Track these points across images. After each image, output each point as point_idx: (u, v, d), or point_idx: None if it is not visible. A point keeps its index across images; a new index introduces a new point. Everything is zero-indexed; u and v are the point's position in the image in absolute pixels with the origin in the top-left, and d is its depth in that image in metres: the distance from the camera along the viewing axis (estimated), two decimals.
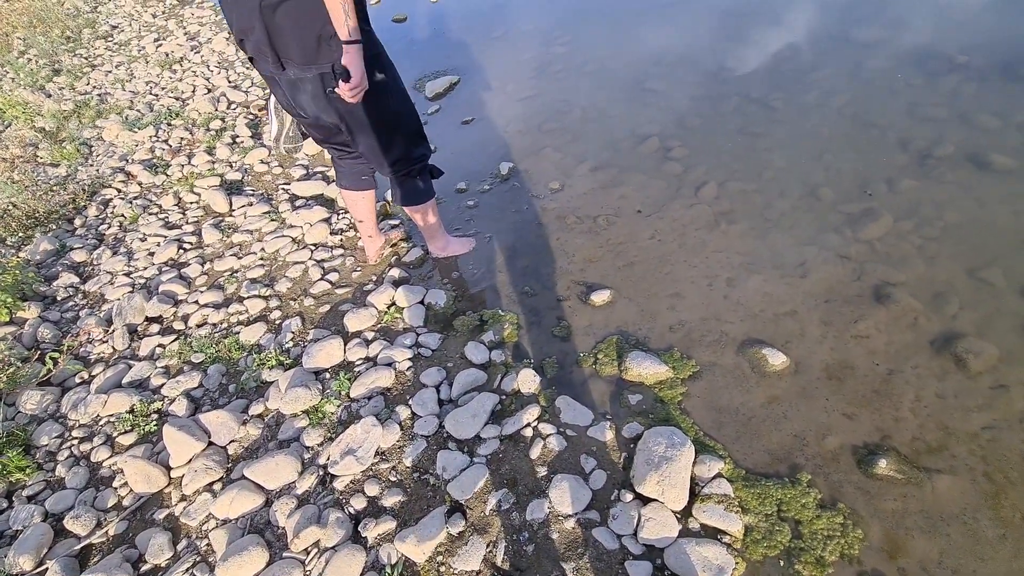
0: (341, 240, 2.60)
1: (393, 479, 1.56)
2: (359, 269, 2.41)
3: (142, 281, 2.57)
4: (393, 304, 2.16)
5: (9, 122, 4.50)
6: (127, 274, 2.63)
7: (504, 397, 1.73)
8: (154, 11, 6.56)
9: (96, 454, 1.82)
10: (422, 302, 2.14)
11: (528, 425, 1.62)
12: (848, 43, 3.15)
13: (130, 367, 2.13)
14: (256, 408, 1.85)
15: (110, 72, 5.25)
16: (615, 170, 2.63)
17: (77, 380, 2.12)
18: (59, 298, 2.56)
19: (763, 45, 3.34)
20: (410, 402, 1.75)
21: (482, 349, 1.89)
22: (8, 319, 2.37)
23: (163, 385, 2.01)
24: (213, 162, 3.40)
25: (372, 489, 1.53)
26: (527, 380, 1.74)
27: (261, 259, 2.57)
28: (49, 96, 4.90)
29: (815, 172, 2.34)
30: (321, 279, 2.38)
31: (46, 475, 1.79)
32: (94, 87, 5.02)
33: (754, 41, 3.41)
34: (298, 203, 2.90)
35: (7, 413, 1.97)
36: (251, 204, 2.95)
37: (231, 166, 3.36)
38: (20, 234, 2.99)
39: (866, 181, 2.24)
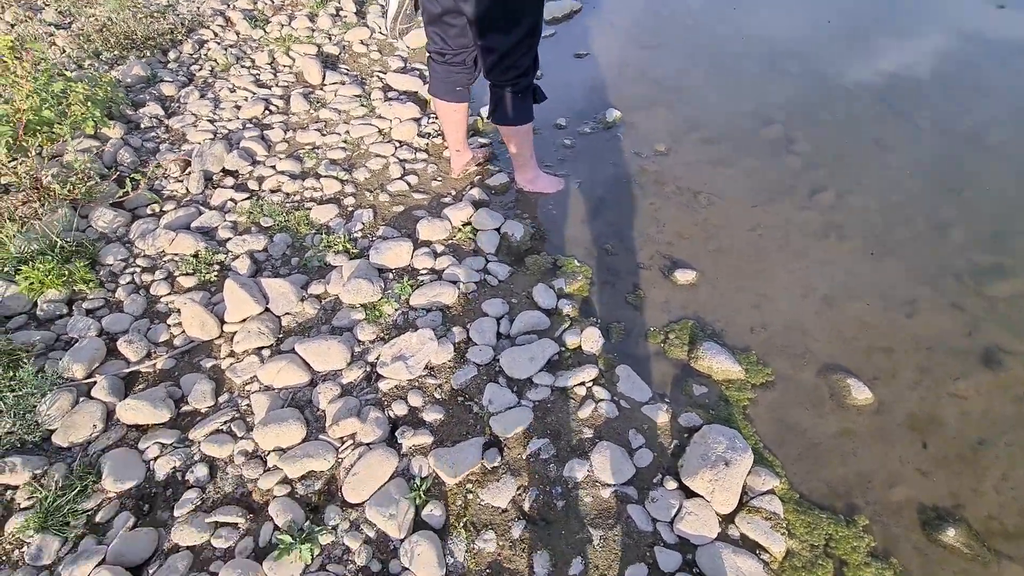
0: (427, 144, 2.49)
1: (438, 396, 1.54)
2: (440, 179, 2.32)
3: (224, 132, 2.52)
4: (469, 224, 2.08)
5: None
6: (211, 120, 2.59)
7: (563, 349, 1.66)
8: None
9: (156, 288, 1.84)
10: (498, 230, 2.05)
11: (583, 384, 1.56)
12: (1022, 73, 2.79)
13: (200, 212, 2.13)
14: (316, 288, 1.83)
15: None
16: (728, 147, 2.43)
17: (148, 211, 2.13)
18: (143, 126, 2.55)
19: (921, 52, 2.99)
20: (468, 327, 1.70)
21: (550, 294, 1.82)
22: (93, 132, 2.36)
23: (229, 240, 2.00)
24: (313, 30, 3.27)
25: (415, 400, 1.51)
26: (591, 339, 1.66)
27: (344, 142, 2.49)
28: None
29: (949, 208, 2.12)
30: (400, 178, 2.30)
31: (107, 294, 1.82)
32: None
33: (912, 45, 3.06)
34: (390, 95, 2.78)
35: (79, 224, 1.99)
36: (343, 83, 2.84)
37: (330, 38, 3.23)
38: (116, 52, 2.95)
39: (1005, 233, 2.01)
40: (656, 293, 1.85)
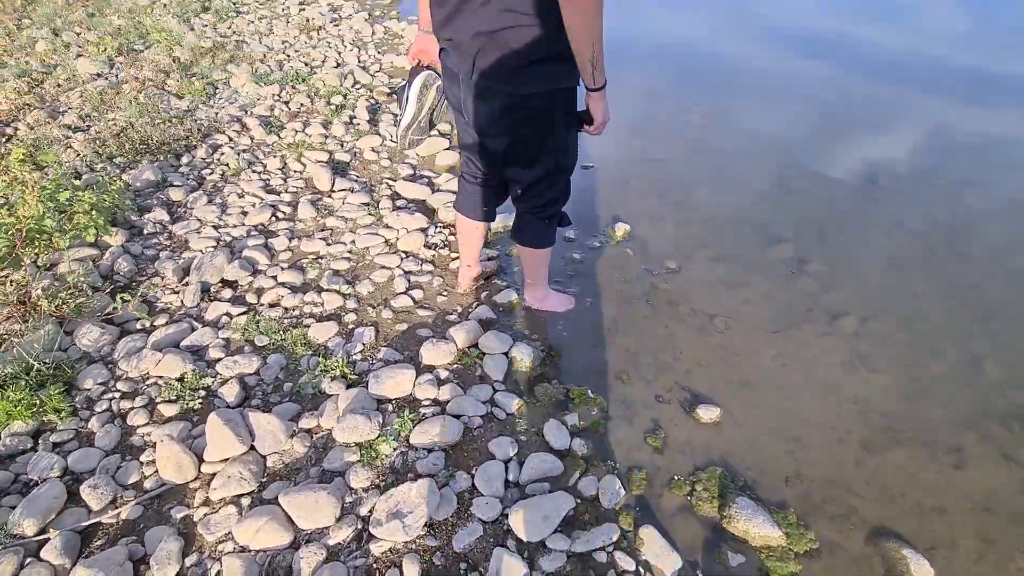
0: (433, 256, 2.45)
1: (437, 562, 1.34)
2: (446, 294, 2.24)
3: (228, 239, 2.49)
4: (475, 346, 1.97)
5: (151, 44, 4.67)
6: (216, 227, 2.56)
7: (579, 502, 1.49)
8: None
9: (134, 417, 1.69)
10: (506, 354, 1.94)
11: (603, 549, 1.37)
12: None
13: (192, 329, 2.02)
14: (308, 421, 1.68)
15: (252, 22, 5.42)
16: (739, 267, 2.39)
17: (138, 326, 2.03)
18: (146, 232, 2.51)
19: (937, 170, 3.04)
20: (474, 472, 1.54)
21: (563, 432, 1.67)
22: (94, 240, 2.31)
23: (220, 360, 1.88)
24: (326, 136, 3.36)
25: (411, 569, 1.32)
26: (609, 491, 1.50)
27: (349, 252, 2.44)
28: (192, 29, 5.09)
29: (979, 340, 2.03)
30: (405, 292, 2.23)
31: (79, 424, 1.67)
32: (234, 32, 5.19)
33: (926, 162, 3.12)
34: (399, 202, 2.79)
35: (63, 342, 1.88)
36: (352, 190, 2.86)
37: (342, 145, 3.30)
38: (130, 157, 3.00)
39: None
40: (678, 433, 1.71)
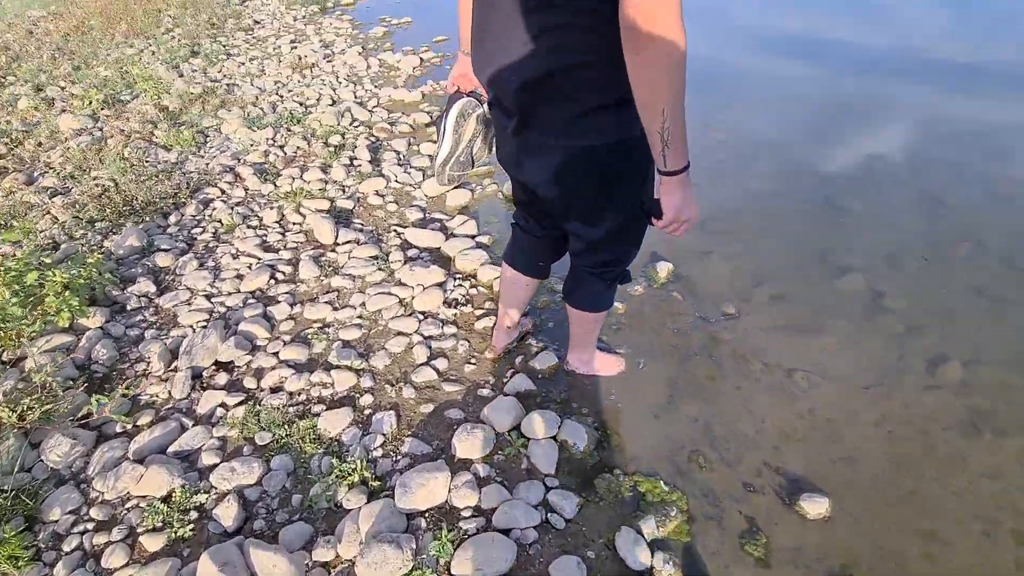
0: (455, 316, 2.15)
1: None
2: (474, 361, 1.94)
3: (222, 310, 2.20)
4: (517, 429, 1.66)
5: (138, 93, 4.47)
6: (208, 296, 2.27)
7: None
8: (295, 14, 6.66)
9: (110, 557, 1.37)
10: (555, 437, 1.63)
11: None
12: None
13: (182, 428, 1.72)
14: (323, 551, 1.36)
15: (243, 64, 5.23)
16: (807, 308, 2.08)
17: (119, 428, 1.72)
18: (129, 308, 2.22)
19: (1014, 178, 2.74)
20: None
21: (640, 544, 1.34)
22: (68, 325, 2.03)
23: (215, 468, 1.57)
24: (325, 182, 3.09)
25: None
26: None
27: (359, 317, 2.14)
28: (181, 76, 4.89)
29: None
30: (427, 363, 1.92)
31: (42, 571, 1.35)
32: (224, 75, 4.98)
33: (998, 170, 2.82)
34: (410, 252, 2.50)
35: (25, 461, 1.58)
36: (358, 242, 2.58)
37: (343, 190, 3.03)
38: (112, 220, 2.73)
39: None
40: (782, 535, 1.38)
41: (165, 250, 2.54)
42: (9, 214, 2.74)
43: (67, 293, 2.00)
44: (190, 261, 2.46)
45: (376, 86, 4.66)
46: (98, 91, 4.35)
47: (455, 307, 2.18)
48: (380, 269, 2.38)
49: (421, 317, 2.13)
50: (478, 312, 2.16)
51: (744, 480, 1.50)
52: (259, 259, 2.48)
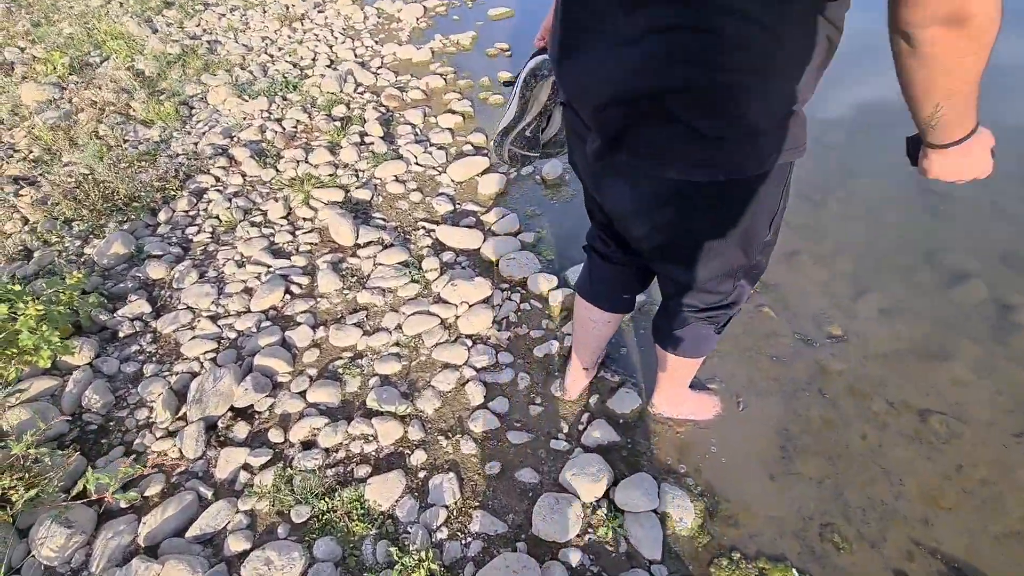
0: (509, 339, 1.83)
1: None
2: (540, 401, 1.64)
3: (232, 335, 1.86)
4: (607, 499, 1.38)
5: (108, 55, 3.93)
6: (213, 317, 1.93)
7: None
8: None
9: None
10: (656, 510, 1.35)
11: None
12: None
13: (201, 501, 1.42)
14: None
15: (223, 16, 4.64)
16: (925, 324, 1.77)
17: (124, 503, 1.43)
18: (121, 335, 1.88)
19: None
20: None
21: None
22: (50, 364, 1.69)
23: (246, 556, 1.29)
24: (335, 165, 2.69)
25: None
26: None
27: (397, 344, 1.82)
28: (155, 32, 4.32)
29: None
30: (484, 406, 1.62)
31: None
32: (204, 31, 4.42)
33: None
34: (445, 255, 2.14)
35: (12, 557, 1.28)
36: (382, 243, 2.21)
37: (357, 176, 2.63)
38: (92, 220, 2.33)
39: None
40: None
41: (157, 257, 2.17)
42: None
43: (44, 328, 1.65)
44: (188, 271, 2.10)
45: (377, 42, 4.13)
46: (62, 53, 3.81)
47: (508, 329, 1.86)
48: (414, 280, 2.03)
49: (469, 343, 1.81)
50: (535, 334, 1.84)
51: (894, 567, 1.24)
52: (269, 267, 2.12)
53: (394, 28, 4.37)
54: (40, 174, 2.67)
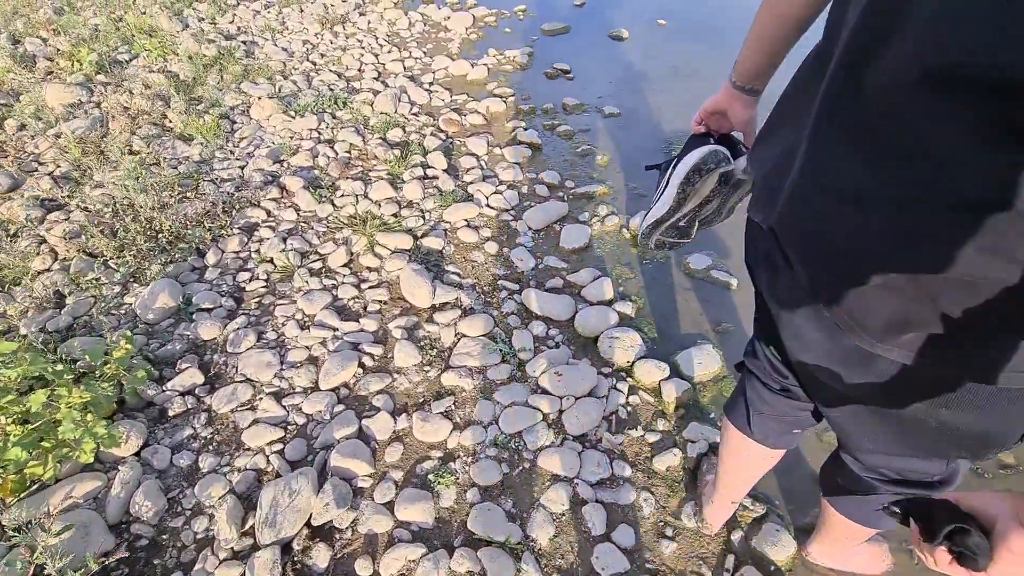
0: (622, 445, 1.58)
1: None
2: (671, 532, 1.39)
3: (300, 420, 1.61)
4: None
5: (137, 53, 3.64)
6: (276, 394, 1.67)
7: None
8: None
9: None
10: None
11: None
12: None
13: None
14: None
15: (258, 13, 4.36)
16: None
17: None
18: (171, 413, 1.63)
19: None
20: None
21: None
22: (93, 458, 1.43)
23: None
24: (398, 203, 2.42)
25: None
26: None
27: (494, 444, 1.57)
28: (187, 27, 4.03)
29: None
30: (606, 537, 1.37)
31: None
32: (240, 29, 4.13)
33: None
34: (535, 327, 1.89)
35: None
36: (461, 307, 1.96)
37: (424, 216, 2.37)
38: (131, 262, 2.06)
39: None
40: None
41: (207, 310, 1.92)
42: None
43: (89, 416, 1.39)
44: (245, 333, 1.83)
45: (425, 52, 3.86)
46: (89, 48, 3.52)
47: (621, 430, 1.61)
48: (505, 359, 1.78)
49: (578, 447, 1.56)
50: (650, 437, 1.59)
51: None
52: (335, 330, 1.87)
53: (442, 39, 4.10)
54: (68, 195, 2.39)
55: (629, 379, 1.75)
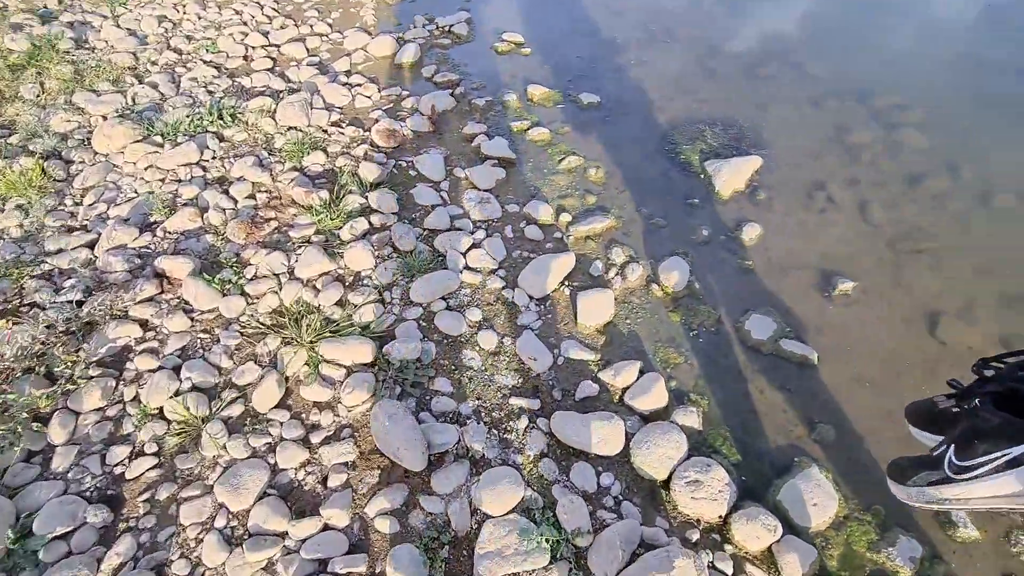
0: None
1: None
2: None
3: None
4: None
5: None
6: None
7: None
8: None
9: None
10: None
11: None
12: None
13: None
14: None
15: None
16: None
17: None
18: None
19: None
20: None
21: None
22: None
23: None
24: (341, 279, 1.70)
25: None
26: None
27: None
28: None
29: None
30: None
31: None
32: (61, 3, 2.99)
33: None
34: (575, 474, 1.32)
35: None
36: (470, 457, 1.34)
37: (382, 299, 1.67)
38: None
39: None
40: None
41: (63, 537, 1.18)
42: None
43: None
44: None
45: (332, 26, 2.96)
46: None
47: None
48: (556, 555, 1.20)
49: None
50: None
51: None
52: (283, 537, 1.20)
53: (350, 3, 3.18)
54: None
55: (728, 545, 1.24)
